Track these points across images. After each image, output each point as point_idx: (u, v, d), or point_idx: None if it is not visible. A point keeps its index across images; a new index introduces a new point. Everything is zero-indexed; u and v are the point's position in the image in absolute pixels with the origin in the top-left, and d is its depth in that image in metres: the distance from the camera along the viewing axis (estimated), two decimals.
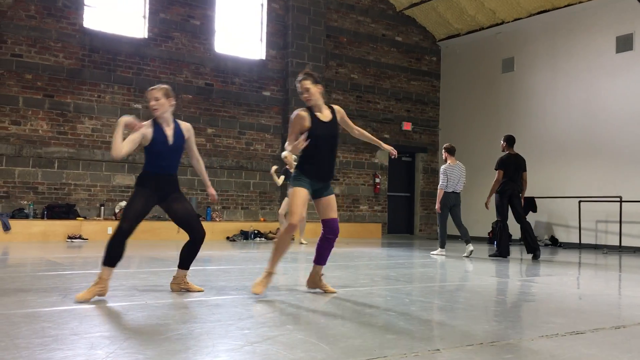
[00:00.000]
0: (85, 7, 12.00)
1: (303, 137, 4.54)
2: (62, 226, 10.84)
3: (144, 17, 12.64)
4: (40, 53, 11.46)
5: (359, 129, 5.04)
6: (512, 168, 9.10)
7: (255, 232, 12.45)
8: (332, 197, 4.79)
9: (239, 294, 4.65)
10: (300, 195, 4.62)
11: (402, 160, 16.50)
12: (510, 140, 9.31)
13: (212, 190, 4.98)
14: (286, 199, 10.88)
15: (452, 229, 10.20)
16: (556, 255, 10.29)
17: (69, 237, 10.70)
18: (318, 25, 14.44)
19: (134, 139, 4.39)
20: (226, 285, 5.17)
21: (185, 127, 4.73)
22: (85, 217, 11.49)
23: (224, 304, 4.17)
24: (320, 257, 4.84)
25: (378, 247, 11.01)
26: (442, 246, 9.55)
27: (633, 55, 12.38)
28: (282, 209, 10.99)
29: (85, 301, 4.10)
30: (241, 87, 13.67)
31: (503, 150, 9.33)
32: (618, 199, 11.98)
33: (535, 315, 4.14)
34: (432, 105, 16.80)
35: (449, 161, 9.59)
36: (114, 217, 11.62)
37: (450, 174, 9.45)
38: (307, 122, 4.60)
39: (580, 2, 13.30)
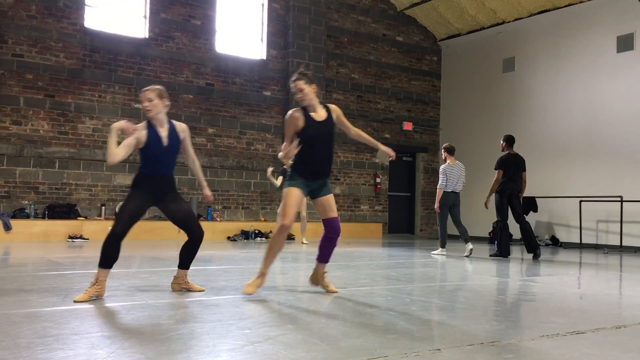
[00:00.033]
0: (86, 7, 12.01)
1: (293, 145, 4.53)
2: (63, 226, 10.85)
3: (145, 17, 12.65)
4: (41, 53, 11.47)
5: (357, 130, 4.96)
6: (512, 168, 9.10)
7: (256, 231, 12.46)
8: (330, 197, 4.74)
9: (239, 293, 4.64)
10: (292, 196, 4.59)
11: (403, 160, 16.50)
12: (509, 140, 9.32)
13: (207, 192, 4.94)
14: None
15: (452, 228, 10.19)
16: (557, 255, 10.29)
17: (70, 237, 10.71)
18: (319, 25, 14.44)
19: (128, 143, 4.37)
20: (227, 285, 5.17)
21: (181, 127, 4.67)
22: (86, 217, 11.50)
23: (225, 304, 4.17)
24: (323, 255, 4.83)
25: (379, 247, 11.01)
26: (443, 246, 9.56)
27: (634, 55, 12.37)
28: (281, 209, 10.99)
29: (84, 302, 4.10)
30: (242, 87, 13.68)
31: (502, 150, 9.33)
32: (619, 199, 11.97)
33: (536, 315, 4.14)
34: (433, 105, 16.80)
35: (448, 161, 9.61)
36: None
37: (450, 173, 9.45)
38: (301, 122, 4.57)
39: (581, 2, 13.30)
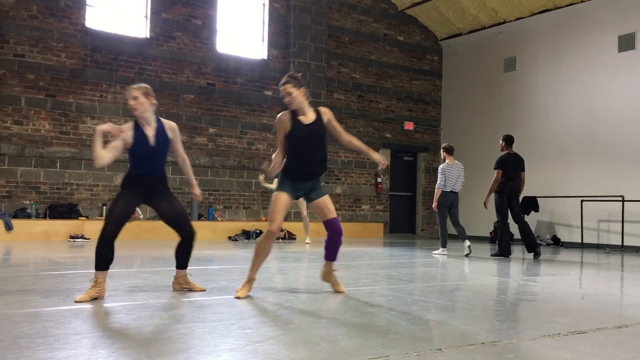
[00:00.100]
0: (87, 7, 12.02)
1: (275, 163, 4.56)
2: (64, 226, 10.86)
3: (146, 17, 12.66)
4: (43, 53, 11.48)
5: (349, 136, 4.86)
6: (511, 167, 9.11)
7: (257, 231, 12.45)
8: (325, 198, 4.69)
9: None
10: (279, 201, 4.54)
11: (404, 160, 16.50)
12: (509, 140, 9.32)
13: (196, 191, 4.92)
14: None
15: (452, 228, 10.19)
16: (558, 254, 10.28)
17: (71, 237, 10.71)
18: (320, 24, 14.44)
19: (115, 145, 4.36)
20: (228, 284, 5.17)
21: (170, 126, 4.60)
22: (87, 217, 11.50)
23: (226, 304, 4.18)
24: (329, 254, 4.81)
25: (380, 247, 11.01)
26: (444, 245, 9.56)
27: (635, 54, 12.36)
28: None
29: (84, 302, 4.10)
30: (243, 86, 13.68)
31: (502, 150, 9.34)
32: (620, 199, 11.96)
33: (537, 314, 4.14)
34: (434, 104, 16.80)
35: (447, 160, 9.61)
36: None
37: (449, 173, 9.46)
38: (288, 126, 4.54)
39: (582, 2, 13.28)
